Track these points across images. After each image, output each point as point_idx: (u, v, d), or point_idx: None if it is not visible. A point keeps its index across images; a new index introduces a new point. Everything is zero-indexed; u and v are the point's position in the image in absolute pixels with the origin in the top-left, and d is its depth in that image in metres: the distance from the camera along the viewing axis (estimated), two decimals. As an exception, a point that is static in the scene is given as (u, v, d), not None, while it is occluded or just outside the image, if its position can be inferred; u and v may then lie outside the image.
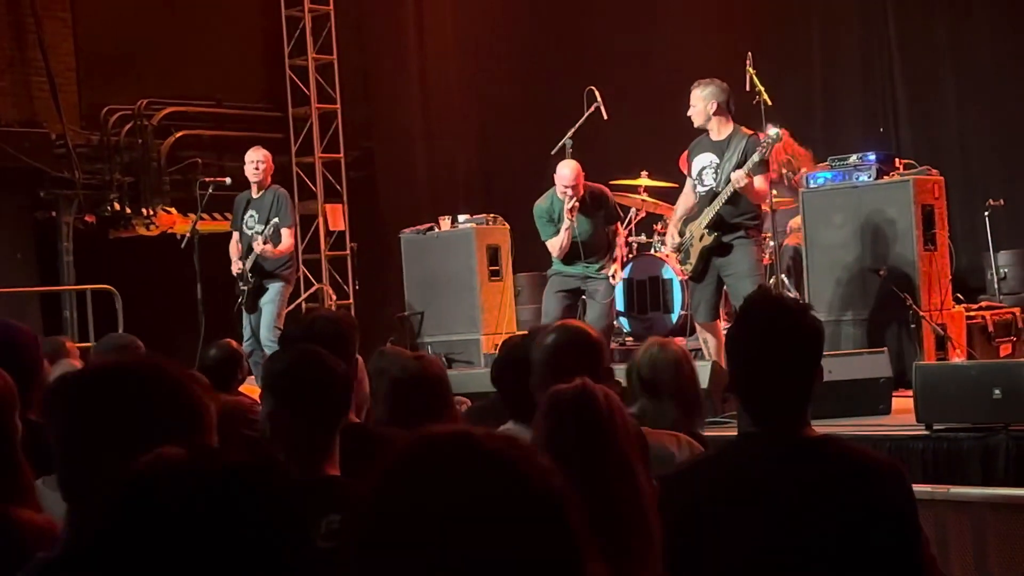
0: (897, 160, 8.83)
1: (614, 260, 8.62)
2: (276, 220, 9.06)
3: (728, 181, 7.66)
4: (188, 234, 9.63)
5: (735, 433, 6.07)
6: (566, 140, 9.23)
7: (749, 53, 8.44)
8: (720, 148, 7.82)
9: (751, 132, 7.78)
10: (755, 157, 7.59)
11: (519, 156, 11.60)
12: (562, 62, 12.06)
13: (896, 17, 10.78)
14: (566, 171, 8.43)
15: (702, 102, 7.84)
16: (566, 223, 8.41)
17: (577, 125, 9.28)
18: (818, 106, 11.05)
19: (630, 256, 9.91)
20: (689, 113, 7.93)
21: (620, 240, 8.86)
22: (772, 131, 7.68)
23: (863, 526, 2.64)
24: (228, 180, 9.80)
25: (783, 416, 2.77)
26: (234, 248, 9.45)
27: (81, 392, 2.11)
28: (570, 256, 8.59)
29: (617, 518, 2.26)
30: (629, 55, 11.79)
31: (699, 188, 7.96)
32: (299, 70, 13.66)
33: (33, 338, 3.94)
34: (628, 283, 9.74)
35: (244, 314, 9.39)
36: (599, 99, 9.29)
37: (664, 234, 10.00)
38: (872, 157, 8.66)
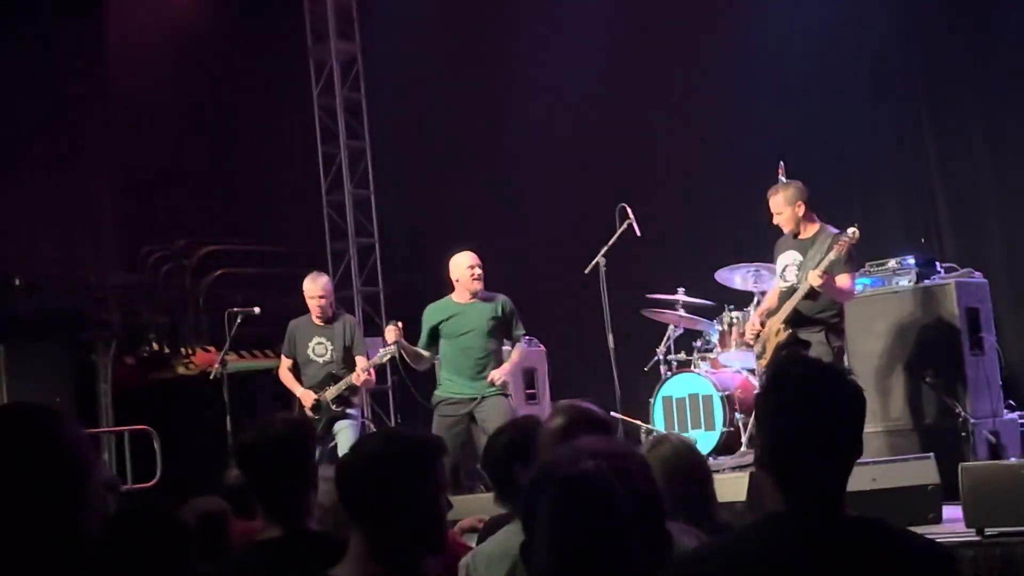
0: (938, 263, 8.60)
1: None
2: (390, 349, 8.94)
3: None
4: (217, 365, 9.50)
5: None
6: (599, 259, 9.09)
7: (781, 162, 8.28)
8: (804, 246, 7.74)
9: (837, 231, 7.62)
10: (830, 256, 7.45)
11: (552, 277, 11.47)
12: (594, 179, 11.98)
13: (932, 122, 10.60)
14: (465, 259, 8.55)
15: (788, 207, 7.71)
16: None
17: (610, 243, 9.14)
18: (856, 217, 10.77)
19: (669, 374, 9.67)
20: (776, 221, 7.78)
21: (518, 353, 8.66)
22: (849, 230, 7.52)
23: None
24: (257, 310, 9.69)
25: (820, 492, 2.50)
26: (288, 376, 9.22)
27: None
28: (460, 369, 8.46)
29: None
30: (661, 169, 11.70)
31: (782, 284, 7.83)
32: (336, 206, 13.71)
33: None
34: (667, 401, 9.49)
35: None
36: (631, 216, 9.15)
37: (703, 348, 9.80)
38: (911, 261, 8.45)
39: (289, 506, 3.47)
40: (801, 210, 7.71)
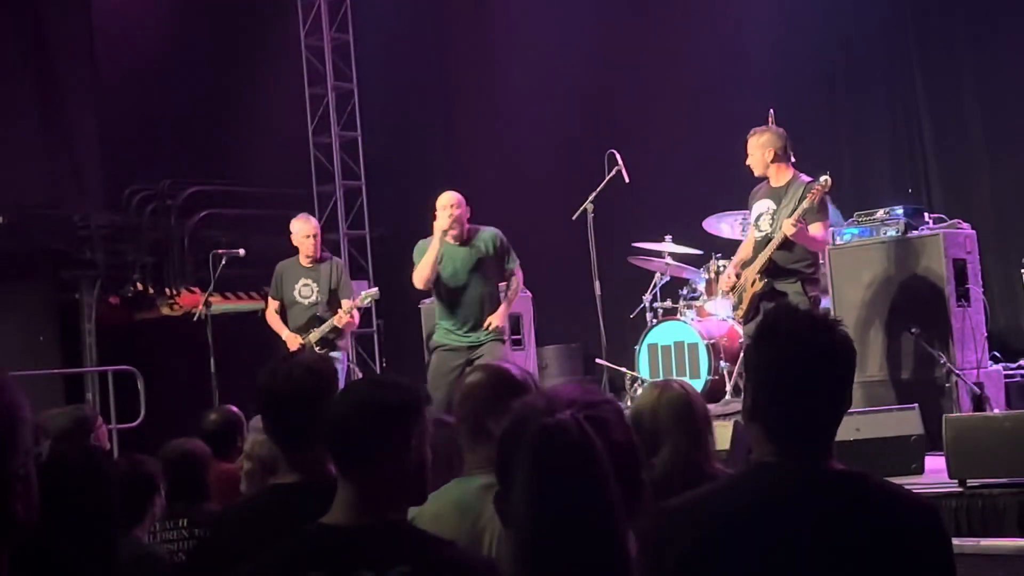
0: (926, 214, 8.57)
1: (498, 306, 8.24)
2: (371, 292, 8.94)
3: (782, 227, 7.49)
4: (201, 306, 9.46)
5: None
6: (587, 204, 9.04)
7: (771, 111, 8.23)
8: (778, 194, 7.67)
9: (810, 179, 7.57)
10: (804, 204, 7.41)
11: (540, 222, 11.42)
12: (583, 124, 11.91)
13: (923, 74, 10.55)
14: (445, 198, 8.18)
15: (760, 150, 7.66)
16: (435, 244, 8.07)
17: (598, 189, 9.09)
18: (845, 167, 10.79)
19: (655, 321, 9.65)
20: (747, 162, 7.74)
21: (514, 288, 8.42)
22: (821, 178, 7.48)
23: (892, 568, 2.37)
24: (242, 252, 9.64)
25: (808, 444, 2.47)
26: (274, 318, 9.14)
27: None
28: (456, 316, 8.25)
29: None
30: (651, 116, 11.63)
31: (757, 234, 7.80)
32: (323, 148, 13.62)
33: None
34: (652, 348, 9.48)
35: None
36: (620, 162, 9.10)
37: (693, 295, 9.78)
38: (899, 211, 8.42)
39: (310, 453, 3.31)
40: (770, 156, 7.65)
